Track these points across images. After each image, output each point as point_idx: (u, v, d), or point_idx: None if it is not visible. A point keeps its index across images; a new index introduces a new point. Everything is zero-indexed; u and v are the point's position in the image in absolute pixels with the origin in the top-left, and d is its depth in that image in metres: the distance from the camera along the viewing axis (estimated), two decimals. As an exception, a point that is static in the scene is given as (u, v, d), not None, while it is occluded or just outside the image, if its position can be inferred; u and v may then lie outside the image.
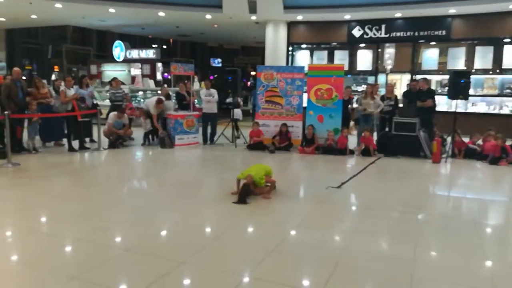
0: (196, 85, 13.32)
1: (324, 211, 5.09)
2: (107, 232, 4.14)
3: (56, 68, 19.23)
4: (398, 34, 13.79)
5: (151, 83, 14.03)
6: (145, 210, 4.87)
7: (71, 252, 3.72)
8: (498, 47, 12.74)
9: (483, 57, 12.95)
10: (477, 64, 13.00)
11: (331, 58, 14.93)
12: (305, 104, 9.83)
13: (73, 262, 3.46)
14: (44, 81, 13.99)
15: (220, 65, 26.36)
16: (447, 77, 12.82)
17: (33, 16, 14.62)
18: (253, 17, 13.97)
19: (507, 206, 5.73)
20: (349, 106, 9.82)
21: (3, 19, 15.25)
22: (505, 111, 12.67)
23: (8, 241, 3.95)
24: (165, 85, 12.64)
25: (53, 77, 14.51)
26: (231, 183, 5.68)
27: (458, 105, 9.19)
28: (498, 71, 12.80)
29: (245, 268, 3.29)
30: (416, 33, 13.55)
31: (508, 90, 12.72)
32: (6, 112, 7.21)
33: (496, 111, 12.74)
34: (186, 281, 3.17)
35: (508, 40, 12.61)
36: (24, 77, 9.12)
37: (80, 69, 18.26)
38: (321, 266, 3.37)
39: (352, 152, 9.04)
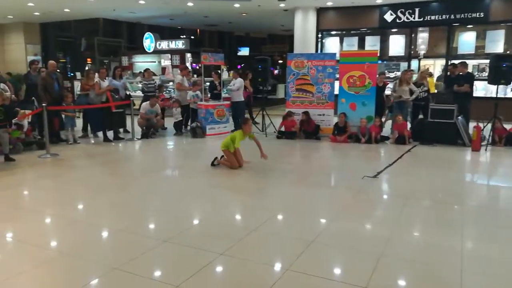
0: (224, 75, 13.29)
1: (362, 201, 4.97)
2: (146, 222, 4.19)
3: (89, 61, 19.63)
4: (432, 17, 13.25)
5: (181, 73, 14.08)
6: (182, 200, 4.91)
7: (111, 242, 3.77)
8: (542, 28, 12.08)
9: (524, 40, 12.31)
10: (518, 47, 12.38)
11: (361, 44, 14.55)
12: (336, 91, 9.64)
13: (113, 253, 3.47)
14: (78, 73, 14.36)
15: (247, 54, 26.21)
16: (484, 61, 12.38)
17: (66, 10, 14.90)
18: (282, 5, 13.75)
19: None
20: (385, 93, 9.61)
21: (37, 13, 15.63)
22: (550, 96, 12.06)
23: (48, 232, 4.04)
24: (195, 75, 12.68)
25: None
26: (259, 171, 5.69)
27: (498, 91, 8.76)
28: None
29: (285, 261, 3.22)
30: (452, 16, 12.98)
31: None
32: (44, 104, 7.41)
33: (539, 96, 12.14)
34: (226, 273, 3.13)
35: (553, 20, 11.93)
36: (58, 70, 9.35)
37: (112, 61, 18.53)
38: (364, 259, 3.27)
39: (384, 139, 8.83)
